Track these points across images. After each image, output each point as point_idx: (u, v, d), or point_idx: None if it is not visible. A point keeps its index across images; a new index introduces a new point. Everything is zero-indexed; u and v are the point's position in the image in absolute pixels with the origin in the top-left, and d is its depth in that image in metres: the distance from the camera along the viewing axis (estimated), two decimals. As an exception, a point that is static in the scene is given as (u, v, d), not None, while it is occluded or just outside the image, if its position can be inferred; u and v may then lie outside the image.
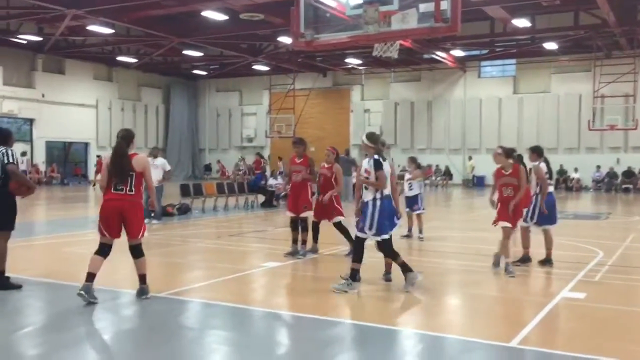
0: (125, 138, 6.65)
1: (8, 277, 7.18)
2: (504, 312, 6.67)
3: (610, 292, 7.47)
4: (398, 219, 7.39)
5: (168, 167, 14.78)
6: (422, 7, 7.31)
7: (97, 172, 26.91)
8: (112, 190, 6.52)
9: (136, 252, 6.69)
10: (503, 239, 8.32)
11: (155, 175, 13.84)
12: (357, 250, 7.37)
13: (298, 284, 8.25)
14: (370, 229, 7.11)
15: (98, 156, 29.37)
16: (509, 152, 8.64)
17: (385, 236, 7.14)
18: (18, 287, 7.10)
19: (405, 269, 7.22)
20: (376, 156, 7.19)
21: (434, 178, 33.09)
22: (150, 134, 39.11)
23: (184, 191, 17.18)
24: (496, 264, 8.55)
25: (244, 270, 8.59)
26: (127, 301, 6.87)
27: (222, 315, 6.35)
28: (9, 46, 29.69)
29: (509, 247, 8.37)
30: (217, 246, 11.16)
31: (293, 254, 9.45)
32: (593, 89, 28.11)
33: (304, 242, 9.62)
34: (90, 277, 6.39)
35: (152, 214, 13.85)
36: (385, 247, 7.26)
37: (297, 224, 9.53)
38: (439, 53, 29.72)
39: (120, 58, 33.75)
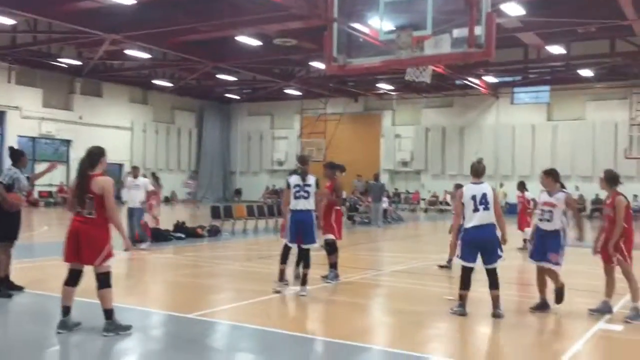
0: (90, 156, 6.01)
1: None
2: (539, 343, 6.48)
3: (650, 325, 7.21)
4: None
5: (150, 188, 13.70)
6: (456, 32, 7.28)
7: None
8: (74, 213, 6.01)
9: (99, 281, 5.97)
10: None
11: (137, 196, 13.15)
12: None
13: (326, 307, 8.16)
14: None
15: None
16: (610, 178, 7.37)
17: (286, 242, 8.41)
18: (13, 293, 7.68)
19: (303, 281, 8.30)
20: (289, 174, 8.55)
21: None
22: (183, 156, 39.66)
23: (214, 213, 17.29)
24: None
25: (272, 293, 8.54)
26: (155, 321, 6.89)
27: (249, 338, 6.31)
28: (49, 69, 30.58)
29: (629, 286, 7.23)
30: (246, 268, 11.15)
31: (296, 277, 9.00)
32: (630, 116, 27.59)
33: (333, 265, 9.48)
34: (65, 310, 6.03)
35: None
36: (282, 250, 8.50)
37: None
38: (471, 79, 29.58)
39: (156, 82, 34.43)
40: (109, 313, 5.97)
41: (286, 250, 8.45)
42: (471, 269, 7.21)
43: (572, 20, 21.04)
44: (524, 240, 14.43)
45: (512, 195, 31.61)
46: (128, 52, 26.54)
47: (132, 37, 23.35)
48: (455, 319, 7.11)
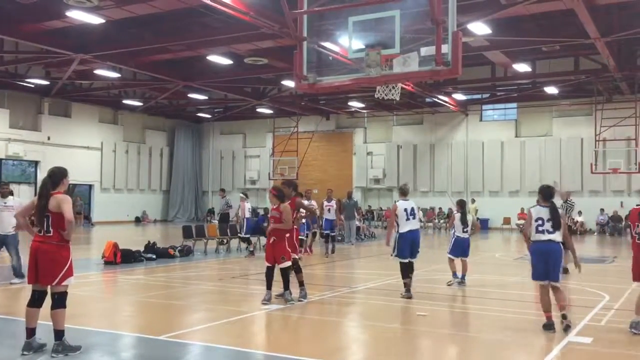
0: (52, 177, 6.01)
1: None
2: (508, 356, 6.53)
3: (617, 336, 7.33)
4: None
5: None
6: (424, 50, 7.40)
7: None
8: (37, 232, 6.00)
9: (54, 300, 5.92)
10: None
11: (8, 220, 10.46)
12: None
13: (300, 326, 8.12)
14: None
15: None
16: None
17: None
18: None
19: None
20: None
21: (437, 221, 33.00)
22: (154, 176, 39.27)
23: (186, 233, 17.12)
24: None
25: (245, 313, 8.47)
26: (125, 344, 6.77)
27: (222, 359, 6.23)
28: (17, 90, 30.11)
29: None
30: (219, 288, 11.04)
31: (267, 300, 9.02)
32: (595, 132, 28.24)
33: (301, 283, 9.48)
34: (29, 332, 5.97)
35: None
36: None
37: (272, 270, 9.19)
38: (440, 97, 30.02)
39: (126, 101, 34.16)
40: (60, 334, 5.92)
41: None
42: (408, 263, 9.63)
43: (537, 39, 21.58)
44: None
45: (483, 210, 32.26)
46: (97, 71, 26.34)
47: (102, 57, 23.17)
48: (428, 336, 7.14)
